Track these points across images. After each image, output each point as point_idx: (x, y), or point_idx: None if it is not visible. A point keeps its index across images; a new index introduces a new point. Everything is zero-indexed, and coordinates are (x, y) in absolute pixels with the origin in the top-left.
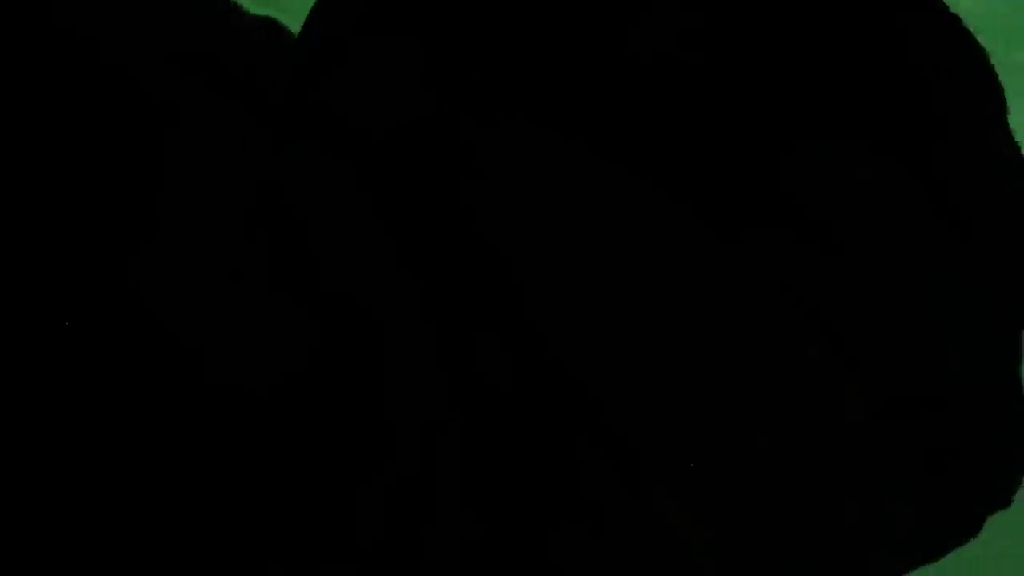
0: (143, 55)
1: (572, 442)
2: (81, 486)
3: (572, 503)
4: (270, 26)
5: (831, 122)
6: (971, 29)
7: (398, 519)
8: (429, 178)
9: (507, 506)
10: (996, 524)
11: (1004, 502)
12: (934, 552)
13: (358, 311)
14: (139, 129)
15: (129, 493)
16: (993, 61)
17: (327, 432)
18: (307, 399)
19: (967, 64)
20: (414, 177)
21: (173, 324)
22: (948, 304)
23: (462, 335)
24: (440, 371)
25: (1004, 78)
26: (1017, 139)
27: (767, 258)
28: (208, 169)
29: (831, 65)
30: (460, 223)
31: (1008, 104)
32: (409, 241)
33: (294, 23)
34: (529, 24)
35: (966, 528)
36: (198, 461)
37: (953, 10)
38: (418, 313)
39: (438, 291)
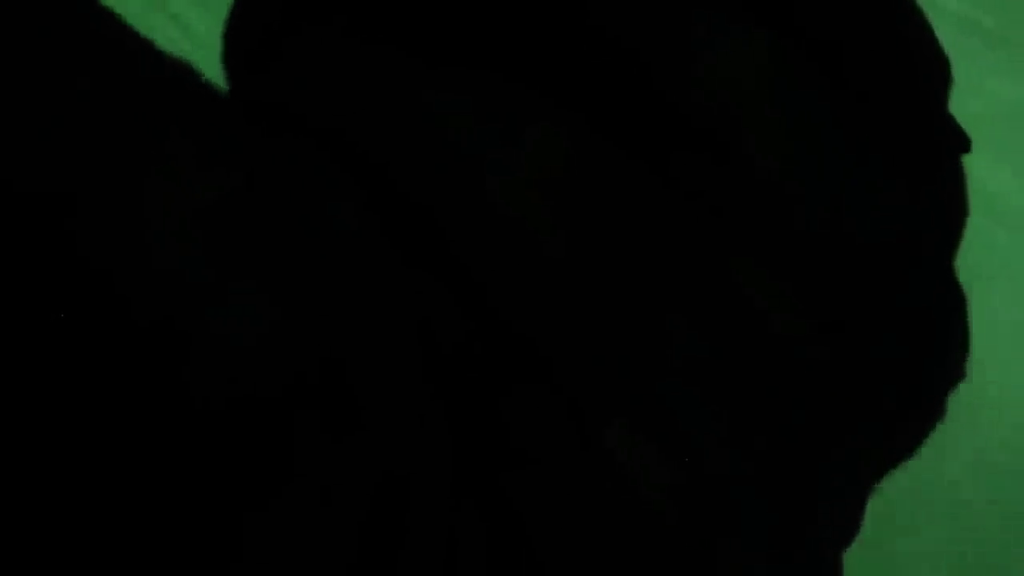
0: None
1: (525, 391)
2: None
3: (526, 452)
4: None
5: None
6: None
7: (383, 512)
8: (385, 147)
9: (471, 462)
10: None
11: (959, 375)
12: (908, 447)
13: (348, 302)
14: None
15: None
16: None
17: (311, 429)
18: (296, 404)
19: None
20: (373, 149)
21: (164, 312)
22: (855, 169)
23: (432, 304)
24: (424, 367)
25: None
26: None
27: (694, 184)
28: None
29: None
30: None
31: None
32: (387, 212)
33: None
34: None
35: (933, 413)
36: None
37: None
38: (402, 292)
39: (415, 264)
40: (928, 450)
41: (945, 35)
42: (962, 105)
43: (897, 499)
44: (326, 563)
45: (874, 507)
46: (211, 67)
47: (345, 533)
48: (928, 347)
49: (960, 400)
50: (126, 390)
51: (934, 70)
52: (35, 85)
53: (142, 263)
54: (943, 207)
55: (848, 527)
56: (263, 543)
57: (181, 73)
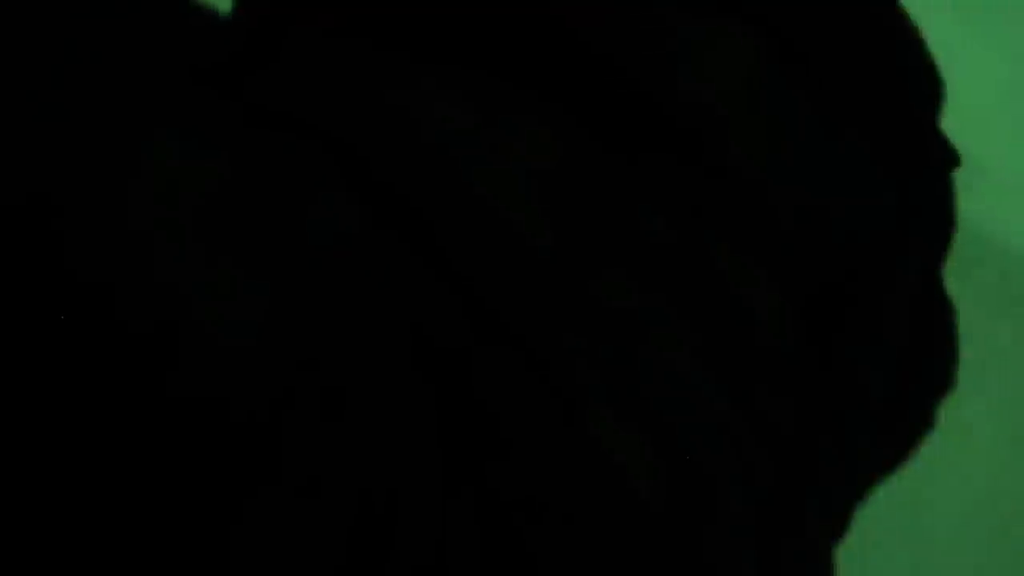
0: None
1: (512, 381)
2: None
3: (514, 441)
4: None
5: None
6: None
7: (371, 510)
8: (381, 148)
9: (461, 454)
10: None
11: (949, 385)
12: (894, 460)
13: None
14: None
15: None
16: None
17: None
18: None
19: None
20: (371, 154)
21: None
22: (837, 171)
23: (424, 299)
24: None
25: None
26: None
27: (678, 181)
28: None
29: None
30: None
31: None
32: (378, 208)
33: None
34: None
35: (920, 423)
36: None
37: None
38: (394, 287)
39: (407, 260)
40: None
41: None
42: None
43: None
44: (315, 561)
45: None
46: None
47: (334, 531)
48: (915, 348)
49: None
50: (115, 388)
51: (925, 86)
52: (16, 73)
53: (130, 261)
54: (930, 212)
55: (838, 525)
56: (251, 541)
57: (175, 58)
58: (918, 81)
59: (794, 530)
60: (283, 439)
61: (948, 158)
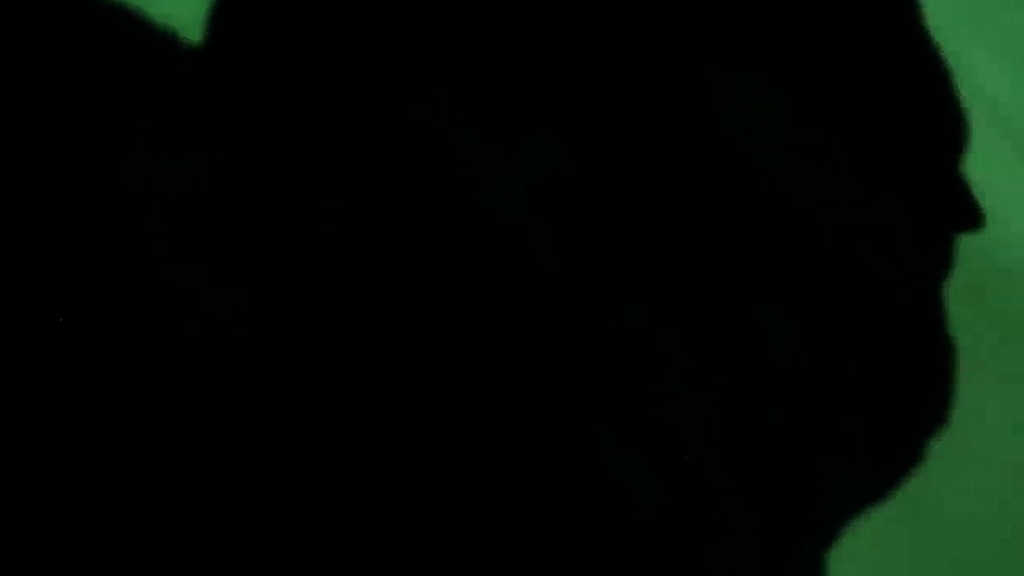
0: None
1: (517, 395)
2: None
3: (510, 449)
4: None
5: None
6: None
7: (359, 513)
8: (373, 150)
9: (456, 464)
10: None
11: (942, 420)
12: (883, 488)
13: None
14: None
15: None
16: None
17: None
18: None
19: None
20: (359, 150)
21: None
22: (859, 207)
23: (415, 304)
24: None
25: None
26: None
27: (701, 208)
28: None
29: None
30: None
31: None
32: (372, 211)
33: None
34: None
35: (912, 457)
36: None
37: None
38: (381, 289)
39: (400, 264)
40: None
41: None
42: None
43: None
44: (301, 565)
45: None
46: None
47: (319, 538)
48: (912, 382)
49: None
50: (99, 385)
51: (954, 136)
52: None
53: (109, 256)
54: (941, 257)
55: (828, 542)
56: (237, 543)
57: (154, 55)
58: (947, 127)
59: (791, 542)
60: (267, 443)
61: (973, 217)
